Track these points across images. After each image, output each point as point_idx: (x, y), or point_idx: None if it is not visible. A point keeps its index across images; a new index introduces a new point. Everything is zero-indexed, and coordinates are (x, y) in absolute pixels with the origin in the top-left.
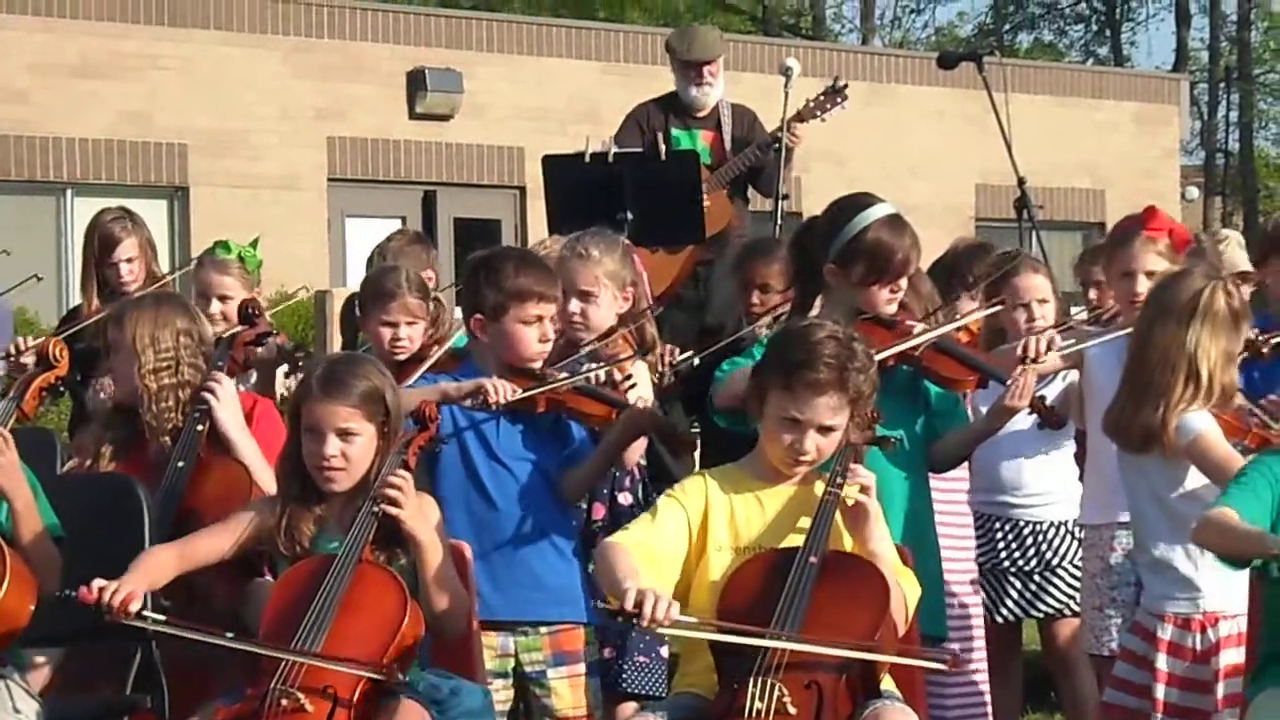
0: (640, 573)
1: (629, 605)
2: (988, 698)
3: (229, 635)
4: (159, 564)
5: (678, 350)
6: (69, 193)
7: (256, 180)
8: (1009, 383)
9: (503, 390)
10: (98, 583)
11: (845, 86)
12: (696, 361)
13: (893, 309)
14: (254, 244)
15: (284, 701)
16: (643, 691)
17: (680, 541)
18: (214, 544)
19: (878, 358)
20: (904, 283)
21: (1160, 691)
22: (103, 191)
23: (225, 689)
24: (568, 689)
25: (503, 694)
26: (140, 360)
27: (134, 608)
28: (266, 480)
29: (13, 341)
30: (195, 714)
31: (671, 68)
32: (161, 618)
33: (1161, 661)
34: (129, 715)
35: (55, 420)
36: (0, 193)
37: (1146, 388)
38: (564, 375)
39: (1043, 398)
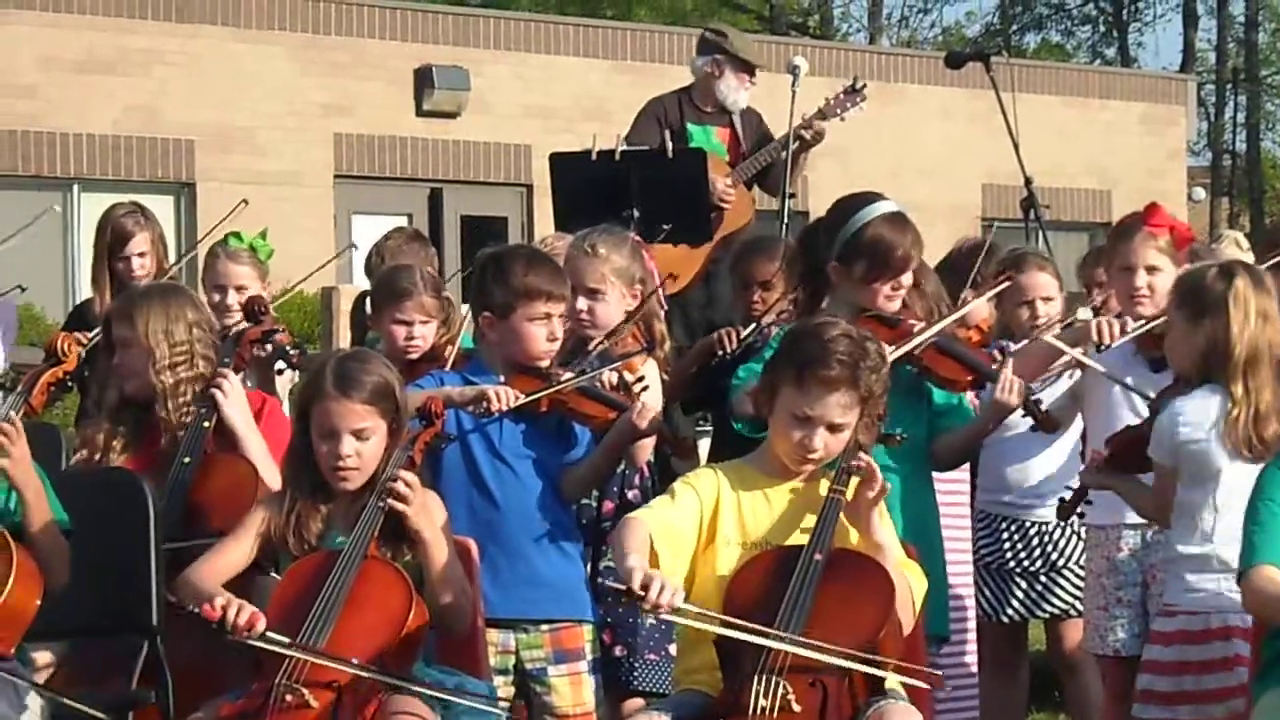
0: (649, 552)
1: (635, 586)
2: (977, 697)
3: (354, 662)
4: (214, 577)
5: (738, 332)
6: (75, 188)
7: (263, 176)
8: (998, 380)
9: (505, 398)
10: (220, 600)
11: (864, 86)
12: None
13: (895, 306)
14: (263, 235)
15: (289, 697)
16: (653, 689)
17: (694, 526)
18: (241, 550)
19: None
20: (906, 280)
21: None
22: (110, 187)
23: (230, 684)
24: (568, 687)
25: (504, 691)
26: (155, 355)
27: (260, 628)
28: (272, 478)
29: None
30: (200, 709)
31: (708, 63)
32: (285, 640)
33: None
34: (134, 710)
35: (61, 417)
36: (7, 188)
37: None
38: (570, 375)
39: (1038, 401)
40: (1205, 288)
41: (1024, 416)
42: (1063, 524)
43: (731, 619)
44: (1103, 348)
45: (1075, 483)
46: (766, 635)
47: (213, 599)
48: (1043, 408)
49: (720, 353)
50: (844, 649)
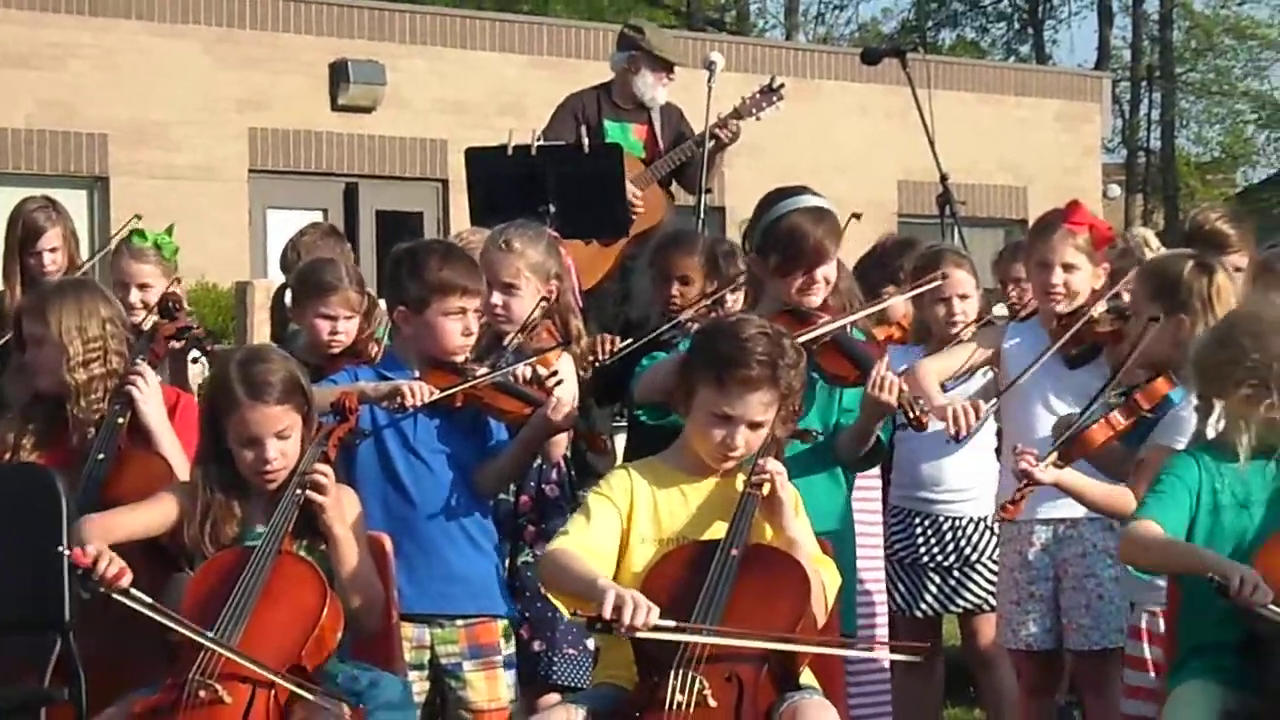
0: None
1: (608, 611)
2: (889, 692)
3: (210, 634)
4: (101, 533)
5: (618, 339)
6: None
7: (177, 171)
8: (871, 375)
9: (419, 393)
10: (92, 548)
11: (781, 86)
12: (625, 351)
13: (812, 300)
14: (169, 231)
15: (202, 693)
16: (571, 683)
17: (614, 538)
18: (139, 520)
19: None
20: (822, 273)
21: None
22: (22, 181)
23: (143, 680)
24: (483, 681)
25: (419, 686)
26: (68, 352)
27: (125, 582)
28: (185, 472)
29: None
30: (113, 705)
31: (626, 59)
32: (147, 599)
33: None
34: (46, 707)
35: None
36: None
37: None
38: (485, 370)
39: (915, 399)
40: (1183, 282)
41: (899, 413)
42: (975, 519)
43: (705, 627)
44: (960, 438)
45: (992, 479)
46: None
47: (85, 545)
48: (919, 406)
49: (595, 362)
50: (766, 634)
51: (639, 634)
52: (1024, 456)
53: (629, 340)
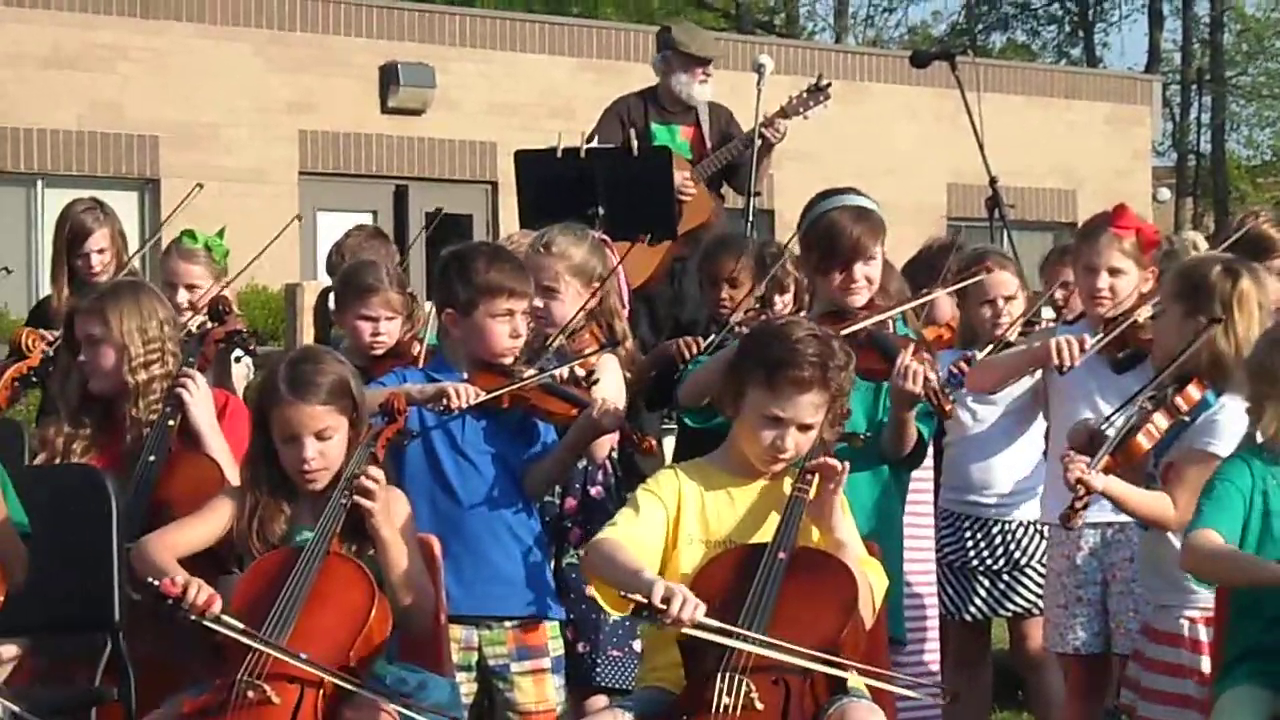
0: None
1: (657, 599)
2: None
3: (302, 657)
4: (170, 550)
5: (702, 341)
6: (39, 184)
7: (228, 173)
8: (896, 364)
9: (465, 395)
10: (181, 578)
11: (828, 85)
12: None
13: (854, 300)
14: (220, 234)
15: (250, 693)
16: (616, 685)
17: (660, 535)
18: (202, 532)
19: None
20: (861, 271)
21: None
22: (73, 183)
23: (192, 680)
24: (531, 684)
25: (467, 688)
26: (129, 353)
27: (216, 609)
28: (234, 474)
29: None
30: (162, 705)
31: (664, 61)
32: (239, 624)
33: None
34: (96, 707)
35: (24, 413)
36: None
37: None
38: (532, 372)
39: (944, 388)
40: (1208, 285)
41: (925, 401)
42: (1024, 523)
43: (751, 634)
44: (1064, 370)
45: (1041, 483)
46: (786, 648)
47: (172, 576)
48: (946, 394)
49: (681, 365)
50: (814, 653)
51: (684, 629)
52: (1076, 464)
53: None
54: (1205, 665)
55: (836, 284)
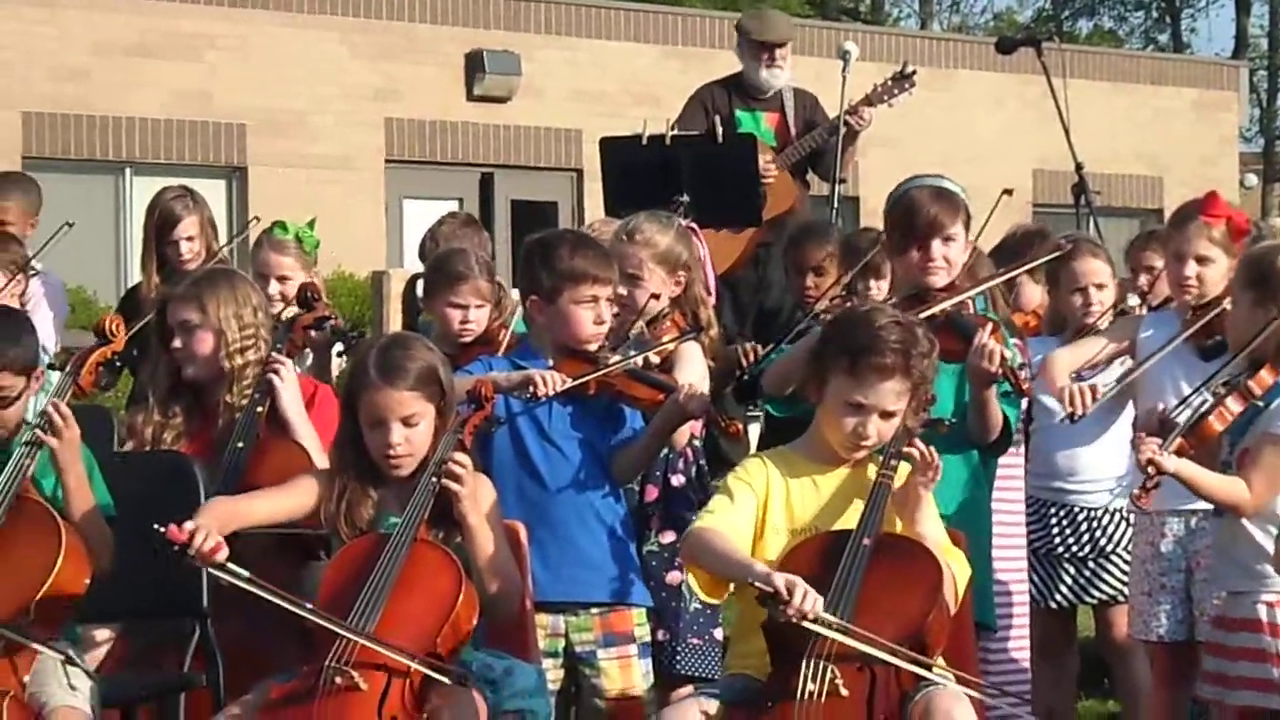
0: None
1: (782, 588)
2: (1027, 683)
3: (307, 606)
4: (228, 514)
5: (759, 348)
6: (128, 171)
7: (314, 160)
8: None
9: (551, 382)
10: (189, 524)
11: (914, 73)
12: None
13: (933, 280)
14: (310, 225)
15: (338, 679)
16: (697, 673)
17: (752, 523)
18: (276, 505)
19: None
20: (939, 250)
21: None
22: (161, 171)
23: (281, 666)
24: (618, 670)
25: (553, 674)
26: (226, 338)
27: (221, 556)
28: (322, 462)
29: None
30: (251, 691)
31: (739, 49)
32: (244, 572)
33: None
34: (185, 692)
35: (114, 400)
36: (61, 170)
37: None
38: (618, 358)
39: (1023, 364)
40: (1275, 272)
41: (1003, 380)
42: (1110, 509)
43: (865, 634)
44: (1074, 420)
45: (1121, 469)
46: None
47: (180, 521)
48: (1024, 374)
49: (739, 372)
50: (906, 651)
51: (805, 622)
52: (1147, 445)
53: (770, 346)
54: None
55: (915, 263)
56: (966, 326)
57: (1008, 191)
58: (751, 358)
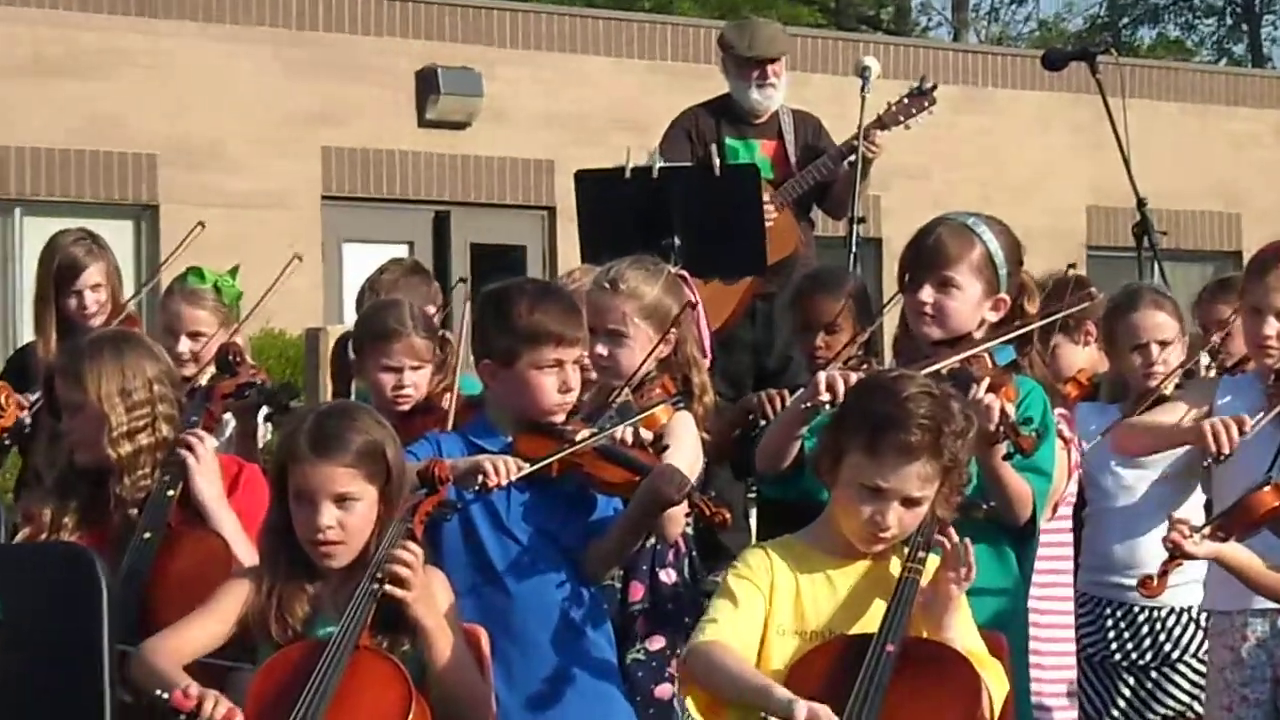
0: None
1: None
2: None
3: None
4: (175, 656)
5: (787, 394)
6: (18, 211)
7: (238, 198)
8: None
9: (504, 470)
10: (195, 689)
11: (934, 88)
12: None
13: (921, 330)
14: (233, 273)
15: None
16: None
17: (759, 628)
18: (212, 630)
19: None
20: (927, 295)
21: None
22: (58, 210)
23: None
24: None
25: None
26: (110, 422)
27: None
28: (247, 556)
29: None
30: None
31: (724, 66)
32: None
33: None
34: None
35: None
36: None
37: None
38: (587, 433)
39: (1026, 420)
40: None
41: (1004, 442)
42: (1178, 609)
43: None
44: (1220, 459)
45: (1197, 563)
46: None
47: (185, 686)
48: (1027, 431)
49: (760, 420)
50: None
51: None
52: (1178, 526)
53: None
54: None
55: (918, 299)
56: (964, 382)
57: (1071, 266)
58: (777, 406)
